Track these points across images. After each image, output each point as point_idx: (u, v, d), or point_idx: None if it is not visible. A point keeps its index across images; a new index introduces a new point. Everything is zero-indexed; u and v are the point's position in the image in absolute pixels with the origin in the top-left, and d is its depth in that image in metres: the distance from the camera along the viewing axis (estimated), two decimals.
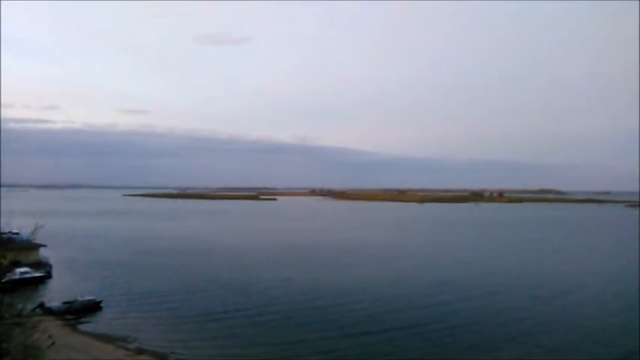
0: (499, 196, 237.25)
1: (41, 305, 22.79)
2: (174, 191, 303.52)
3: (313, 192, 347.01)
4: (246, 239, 49.61)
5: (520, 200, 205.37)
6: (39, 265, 32.96)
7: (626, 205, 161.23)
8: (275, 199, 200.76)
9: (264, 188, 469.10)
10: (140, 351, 17.47)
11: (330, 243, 46.13)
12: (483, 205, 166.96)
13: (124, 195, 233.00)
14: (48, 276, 31.63)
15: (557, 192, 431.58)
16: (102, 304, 24.04)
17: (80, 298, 24.09)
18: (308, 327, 19.25)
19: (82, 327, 20.81)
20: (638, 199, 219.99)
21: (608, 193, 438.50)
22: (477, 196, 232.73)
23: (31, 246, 33.73)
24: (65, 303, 23.52)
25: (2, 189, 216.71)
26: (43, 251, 35.36)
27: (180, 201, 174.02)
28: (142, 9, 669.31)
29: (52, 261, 33.92)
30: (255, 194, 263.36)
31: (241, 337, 18.06)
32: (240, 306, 22.74)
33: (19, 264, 27.83)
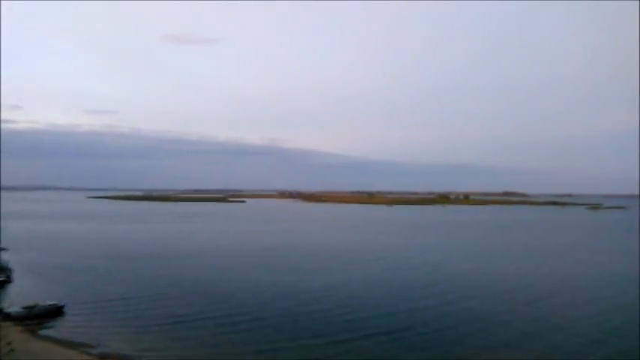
0: (465, 199, 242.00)
1: (0, 310, 22.07)
2: (140, 193, 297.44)
3: (282, 194, 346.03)
4: (214, 242, 49.15)
5: (485, 202, 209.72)
6: None
7: (587, 208, 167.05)
8: (243, 202, 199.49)
9: (233, 190, 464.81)
10: (104, 356, 17.02)
11: (301, 245, 46.09)
12: (450, 207, 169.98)
13: (88, 197, 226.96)
14: (8, 280, 30.58)
15: (521, 195, 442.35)
16: (64, 309, 23.36)
17: (42, 303, 23.39)
18: (278, 331, 19.17)
19: (43, 332, 20.17)
20: (597, 202, 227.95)
21: (569, 195, 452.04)
22: (443, 199, 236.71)
23: None
24: (25, 308, 22.80)
25: None
26: (3, 255, 34.24)
27: (145, 203, 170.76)
28: (109, 7, 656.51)
29: (12, 265, 32.81)
30: (223, 196, 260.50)
31: (209, 342, 17.87)
32: (208, 310, 22.49)
33: None
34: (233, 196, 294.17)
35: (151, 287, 27.36)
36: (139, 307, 23.51)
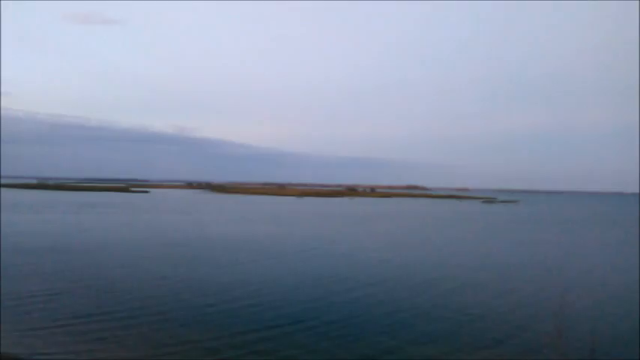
0: (371, 191, 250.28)
1: None
2: (34, 181, 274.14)
3: (190, 185, 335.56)
4: (117, 235, 45.37)
5: (390, 195, 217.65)
6: None
7: (482, 201, 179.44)
8: (147, 192, 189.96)
9: (136, 180, 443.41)
10: None
11: (209, 238, 43.83)
12: (357, 199, 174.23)
13: None
14: None
15: (423, 188, 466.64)
16: None
17: None
18: (185, 326, 17.51)
19: None
20: (491, 196, 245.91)
21: (466, 190, 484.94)
22: (351, 191, 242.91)
23: None
24: None
25: None
26: None
27: (40, 192, 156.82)
28: None
29: None
30: (125, 186, 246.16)
31: (110, 340, 15.83)
32: (110, 306, 20.03)
33: None
34: (136, 185, 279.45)
35: (46, 283, 24.25)
36: (32, 304, 20.53)
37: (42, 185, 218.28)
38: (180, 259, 32.12)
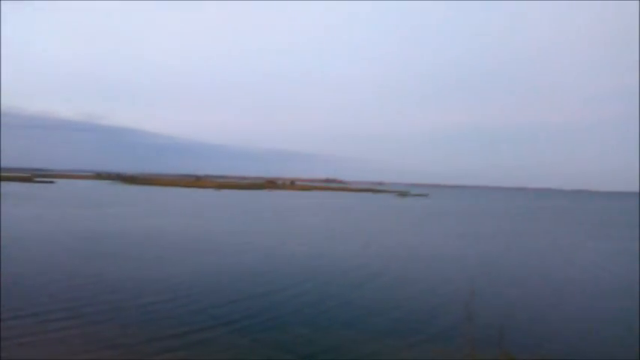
0: (291, 184, 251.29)
1: None
2: None
3: (100, 175, 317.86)
4: (22, 228, 42.12)
5: (309, 188, 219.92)
6: None
7: (396, 195, 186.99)
8: (52, 182, 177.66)
9: (40, 170, 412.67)
10: None
11: (125, 232, 41.86)
12: (277, 192, 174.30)
13: None
14: None
15: (341, 181, 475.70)
16: None
17: None
18: (94, 322, 16.77)
19: None
20: (405, 190, 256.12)
21: (382, 183, 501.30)
22: (271, 184, 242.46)
23: None
24: None
25: None
26: None
27: None
28: None
29: None
30: (28, 176, 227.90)
31: (23, 342, 14.78)
32: (16, 307, 18.58)
33: None
34: (41, 175, 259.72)
35: None
36: None
37: None
38: (93, 254, 30.51)
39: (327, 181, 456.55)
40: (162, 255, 31.14)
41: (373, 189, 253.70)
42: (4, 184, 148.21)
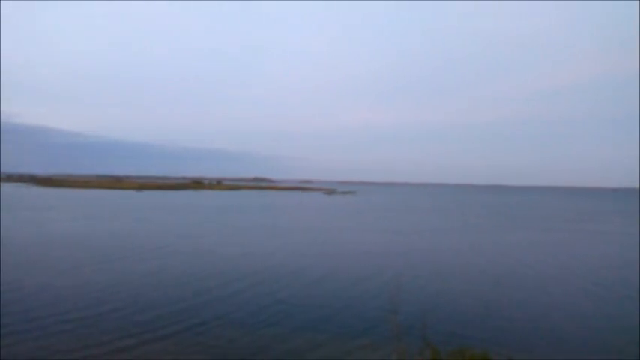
0: (218, 184, 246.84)
1: None
2: None
3: (10, 178, 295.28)
4: None
5: (237, 188, 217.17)
6: None
7: (324, 193, 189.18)
8: None
9: None
10: None
11: (52, 237, 39.31)
12: (204, 192, 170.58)
13: None
14: None
15: (269, 180, 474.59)
16: None
17: None
18: (14, 335, 15.67)
19: None
20: (332, 188, 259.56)
21: (309, 182, 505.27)
22: (197, 184, 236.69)
23: None
24: None
25: None
26: None
27: None
28: None
29: None
30: None
31: None
32: None
33: None
34: None
35: None
36: None
37: None
38: (22, 262, 28.30)
39: (256, 180, 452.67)
40: (79, 262, 29.45)
41: (301, 187, 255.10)
42: None
